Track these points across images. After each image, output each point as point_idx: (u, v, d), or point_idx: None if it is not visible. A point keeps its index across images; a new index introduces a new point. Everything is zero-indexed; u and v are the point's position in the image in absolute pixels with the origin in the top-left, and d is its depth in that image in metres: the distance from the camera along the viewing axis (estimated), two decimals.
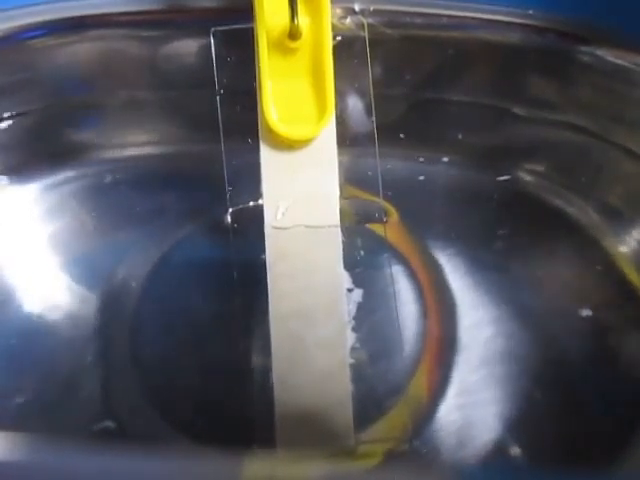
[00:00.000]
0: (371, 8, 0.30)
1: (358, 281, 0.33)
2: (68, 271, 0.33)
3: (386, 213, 0.34)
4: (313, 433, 0.28)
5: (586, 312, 0.33)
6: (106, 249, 0.34)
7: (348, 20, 0.30)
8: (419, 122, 0.35)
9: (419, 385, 0.32)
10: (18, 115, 0.32)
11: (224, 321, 0.33)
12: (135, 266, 0.34)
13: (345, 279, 0.31)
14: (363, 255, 0.33)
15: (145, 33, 0.31)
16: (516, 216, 0.35)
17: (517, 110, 0.33)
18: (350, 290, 0.33)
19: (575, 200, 0.35)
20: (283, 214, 0.29)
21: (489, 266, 0.35)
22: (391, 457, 0.30)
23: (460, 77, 0.33)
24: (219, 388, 0.32)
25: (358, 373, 0.30)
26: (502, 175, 0.35)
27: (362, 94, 0.31)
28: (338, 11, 0.30)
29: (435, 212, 0.36)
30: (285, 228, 0.29)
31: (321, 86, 0.27)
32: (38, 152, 0.34)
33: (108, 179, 0.35)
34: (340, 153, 0.29)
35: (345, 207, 0.30)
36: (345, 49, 0.29)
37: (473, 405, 0.32)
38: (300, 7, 0.26)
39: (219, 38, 0.29)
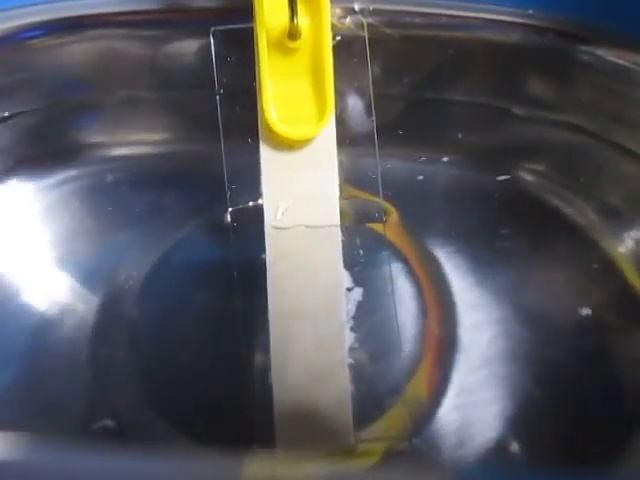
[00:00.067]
0: (371, 8, 0.30)
1: (358, 280, 0.33)
2: (68, 271, 0.33)
3: (386, 213, 0.34)
4: (313, 432, 0.28)
5: (586, 311, 0.33)
6: (106, 249, 0.34)
7: (348, 20, 0.30)
8: (419, 122, 0.35)
9: (419, 384, 0.32)
10: (18, 115, 0.32)
11: (224, 321, 0.33)
12: (135, 265, 0.34)
13: (345, 278, 0.31)
14: (363, 254, 0.33)
15: (145, 33, 0.31)
16: (516, 216, 0.35)
17: (517, 110, 0.33)
18: (350, 289, 0.33)
19: (575, 200, 0.35)
20: (283, 214, 0.29)
21: (489, 266, 0.35)
22: (390, 456, 0.30)
23: (460, 77, 0.33)
24: (219, 388, 0.32)
25: (358, 372, 0.30)
26: (502, 175, 0.36)
27: (362, 94, 0.31)
28: (338, 11, 0.30)
29: (435, 212, 0.36)
30: (285, 228, 0.29)
31: (321, 86, 0.27)
32: (38, 152, 0.34)
33: (108, 179, 0.35)
34: (340, 153, 0.29)
35: (345, 207, 0.30)
36: (345, 49, 0.29)
37: (473, 404, 0.32)
38: (300, 7, 0.26)
39: (219, 38, 0.29)
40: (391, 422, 0.31)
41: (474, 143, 0.35)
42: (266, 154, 0.28)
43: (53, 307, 0.33)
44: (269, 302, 0.28)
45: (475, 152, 0.35)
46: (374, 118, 0.31)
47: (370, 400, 0.31)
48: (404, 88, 0.33)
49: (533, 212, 0.35)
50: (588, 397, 0.32)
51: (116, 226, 0.35)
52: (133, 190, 0.35)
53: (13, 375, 0.31)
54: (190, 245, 0.35)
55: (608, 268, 0.34)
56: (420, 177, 0.36)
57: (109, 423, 0.31)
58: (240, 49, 0.29)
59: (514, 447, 0.31)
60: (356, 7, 0.30)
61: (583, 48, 0.30)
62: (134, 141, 0.35)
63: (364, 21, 0.30)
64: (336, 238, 0.29)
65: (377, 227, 0.33)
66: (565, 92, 0.32)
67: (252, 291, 0.30)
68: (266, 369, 0.29)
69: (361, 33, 0.30)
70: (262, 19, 0.26)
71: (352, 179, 0.32)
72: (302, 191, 0.29)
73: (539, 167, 0.35)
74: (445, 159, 0.36)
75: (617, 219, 0.34)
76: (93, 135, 0.35)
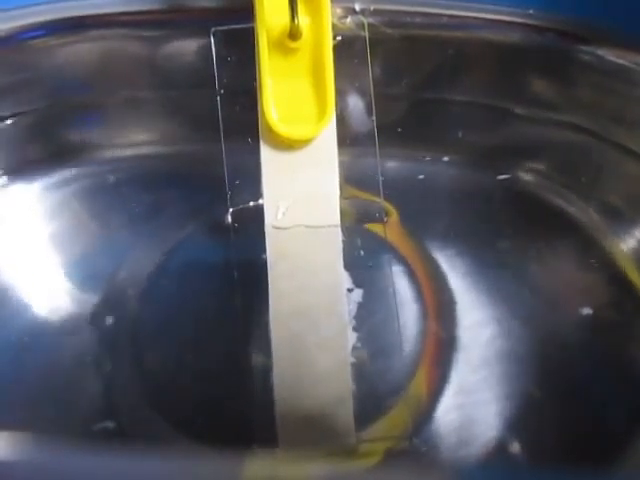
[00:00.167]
0: (371, 8, 0.30)
1: (358, 281, 0.33)
2: (69, 271, 0.34)
3: (386, 213, 0.34)
4: (314, 432, 0.28)
5: (586, 311, 0.33)
6: (107, 249, 0.34)
7: (348, 20, 0.30)
8: (419, 122, 0.35)
9: (419, 384, 0.32)
10: (19, 115, 0.32)
11: (225, 321, 0.33)
12: (136, 266, 0.34)
13: (345, 279, 0.31)
14: (363, 255, 0.33)
15: (145, 33, 0.31)
16: (516, 216, 0.35)
17: (517, 110, 0.33)
18: (350, 290, 0.33)
19: (575, 200, 0.35)
20: (283, 214, 0.29)
21: (489, 265, 0.35)
22: (391, 456, 0.30)
23: (460, 77, 0.33)
24: (219, 388, 0.32)
25: (359, 372, 0.30)
26: (502, 175, 0.35)
27: (362, 94, 0.31)
28: (338, 11, 0.30)
29: (435, 212, 0.36)
30: (285, 228, 0.29)
31: (321, 86, 0.27)
32: (39, 152, 0.34)
33: (109, 179, 0.35)
34: (340, 153, 0.29)
35: (345, 207, 0.30)
36: (345, 49, 0.29)
37: (473, 404, 0.32)
38: (300, 7, 0.26)
39: (219, 38, 0.29)
40: (392, 422, 0.31)
41: (474, 143, 0.35)
42: (266, 154, 0.28)
43: (54, 307, 0.33)
44: (270, 302, 0.28)
45: (475, 152, 0.35)
46: (374, 118, 0.31)
47: (371, 400, 0.31)
48: (405, 88, 0.33)
49: (534, 212, 0.35)
50: (588, 397, 0.32)
51: (117, 226, 0.35)
52: (134, 190, 0.35)
53: (13, 375, 0.31)
54: (191, 245, 0.35)
55: (609, 268, 0.34)
56: (421, 177, 0.36)
57: (109, 425, 0.31)
58: (240, 49, 0.29)
59: (514, 447, 0.31)
60: (357, 7, 0.30)
61: (583, 48, 0.30)
62: (135, 141, 0.35)
63: (365, 21, 0.30)
64: (336, 238, 0.29)
65: (377, 227, 0.33)
66: (565, 92, 0.32)
67: (253, 291, 0.30)
68: (266, 369, 0.29)
69: (362, 33, 0.30)
70: (262, 19, 0.26)
71: (352, 179, 0.32)
72: (302, 191, 0.29)
73: (540, 167, 0.35)
74: (445, 159, 0.36)
75: (618, 219, 0.34)
76: (94, 135, 0.35)
